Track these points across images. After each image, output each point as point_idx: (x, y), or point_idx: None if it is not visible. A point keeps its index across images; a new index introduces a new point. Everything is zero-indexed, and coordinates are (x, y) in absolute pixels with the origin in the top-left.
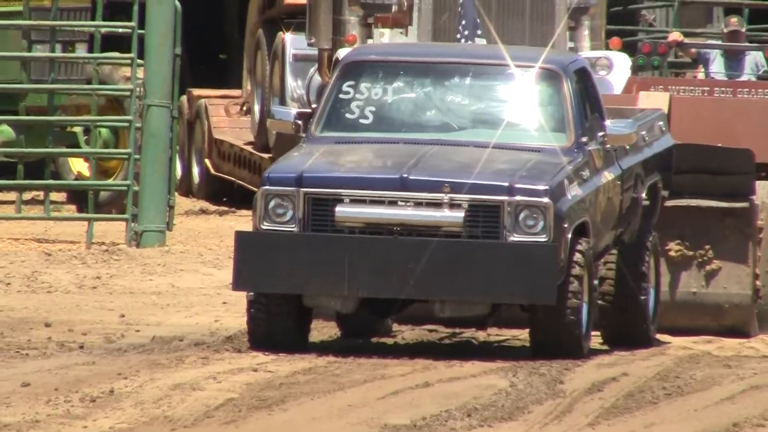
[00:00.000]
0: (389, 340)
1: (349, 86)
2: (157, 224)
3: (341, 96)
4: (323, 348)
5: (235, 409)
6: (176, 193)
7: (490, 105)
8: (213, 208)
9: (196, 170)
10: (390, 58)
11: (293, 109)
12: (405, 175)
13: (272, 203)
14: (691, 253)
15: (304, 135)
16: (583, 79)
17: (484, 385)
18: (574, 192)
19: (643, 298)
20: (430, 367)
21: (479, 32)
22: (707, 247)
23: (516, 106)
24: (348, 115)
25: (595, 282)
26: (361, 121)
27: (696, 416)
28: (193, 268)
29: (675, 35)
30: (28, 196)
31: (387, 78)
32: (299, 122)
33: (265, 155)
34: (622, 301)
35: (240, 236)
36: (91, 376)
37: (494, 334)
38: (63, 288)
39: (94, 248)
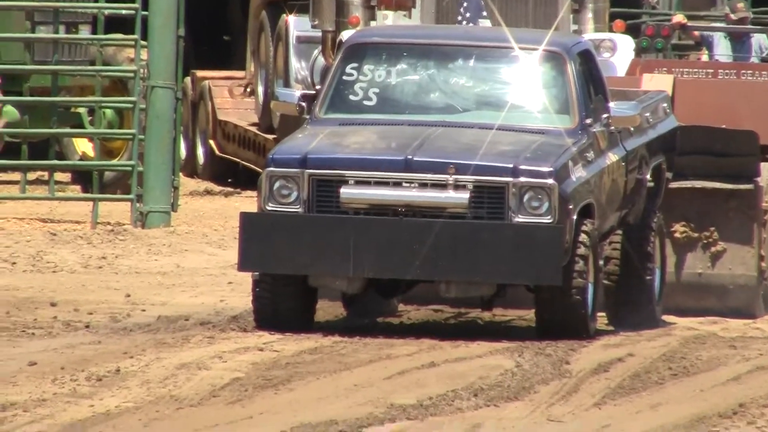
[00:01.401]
0: (395, 320)
1: (352, 68)
2: (162, 205)
3: (345, 78)
4: (329, 328)
5: (241, 388)
6: (181, 174)
7: (494, 87)
8: (218, 188)
9: (200, 151)
10: (394, 40)
11: (297, 91)
12: (410, 157)
13: (277, 184)
14: (696, 234)
15: (308, 117)
16: (587, 61)
17: (490, 366)
18: (579, 173)
19: (648, 278)
20: (436, 347)
21: (484, 13)
22: (712, 228)
23: (520, 88)
24: (352, 97)
25: (601, 263)
26: (365, 102)
27: (702, 396)
28: (198, 249)
29: (679, 17)
30: (32, 176)
31: (391, 60)
32: (303, 104)
33: (270, 136)
34: (627, 281)
35: (245, 217)
36: (97, 355)
37: (500, 315)
38: (68, 268)
39: (100, 228)
